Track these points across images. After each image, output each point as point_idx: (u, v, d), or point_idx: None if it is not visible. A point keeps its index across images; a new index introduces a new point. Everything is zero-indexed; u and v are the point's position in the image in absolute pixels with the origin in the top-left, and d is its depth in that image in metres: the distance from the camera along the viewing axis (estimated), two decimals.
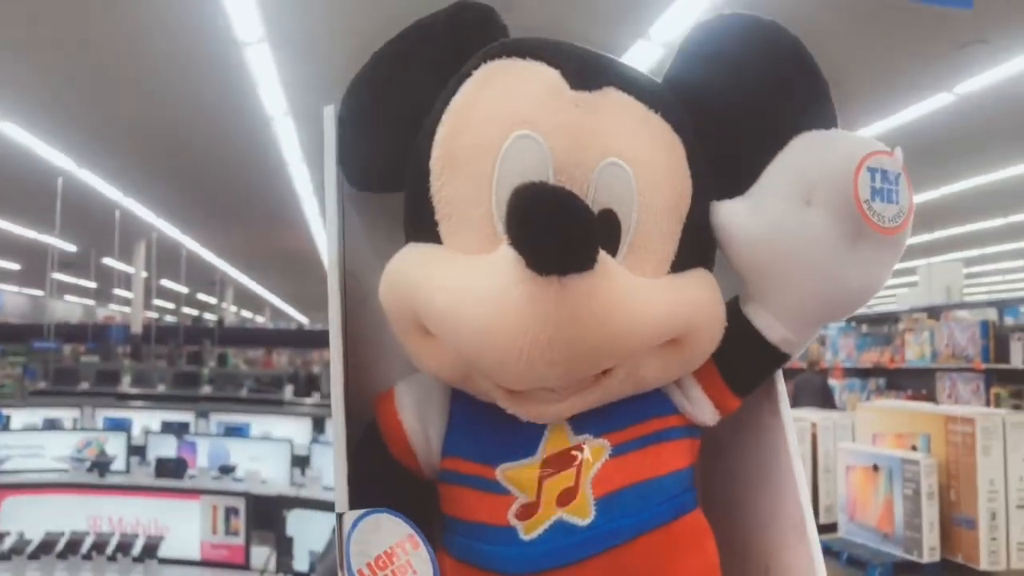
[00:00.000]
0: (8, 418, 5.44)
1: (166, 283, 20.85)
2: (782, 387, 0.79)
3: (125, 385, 10.31)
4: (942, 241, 13.92)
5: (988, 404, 6.06)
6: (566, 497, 0.69)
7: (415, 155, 0.74)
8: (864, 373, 8.50)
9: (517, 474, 0.70)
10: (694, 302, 0.70)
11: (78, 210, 11.45)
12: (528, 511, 0.69)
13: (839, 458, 2.18)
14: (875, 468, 1.97)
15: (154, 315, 21.14)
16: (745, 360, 0.75)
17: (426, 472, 0.78)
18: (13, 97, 7.68)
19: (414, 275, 0.68)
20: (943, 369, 6.96)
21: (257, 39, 6.06)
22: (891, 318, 8.73)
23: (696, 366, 0.73)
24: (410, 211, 0.75)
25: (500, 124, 0.68)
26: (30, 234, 14.14)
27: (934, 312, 8.07)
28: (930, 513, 1.84)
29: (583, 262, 0.56)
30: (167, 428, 5.28)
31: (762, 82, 0.76)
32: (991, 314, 7.34)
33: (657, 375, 0.72)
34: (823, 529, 4.58)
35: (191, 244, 16.17)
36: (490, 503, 0.70)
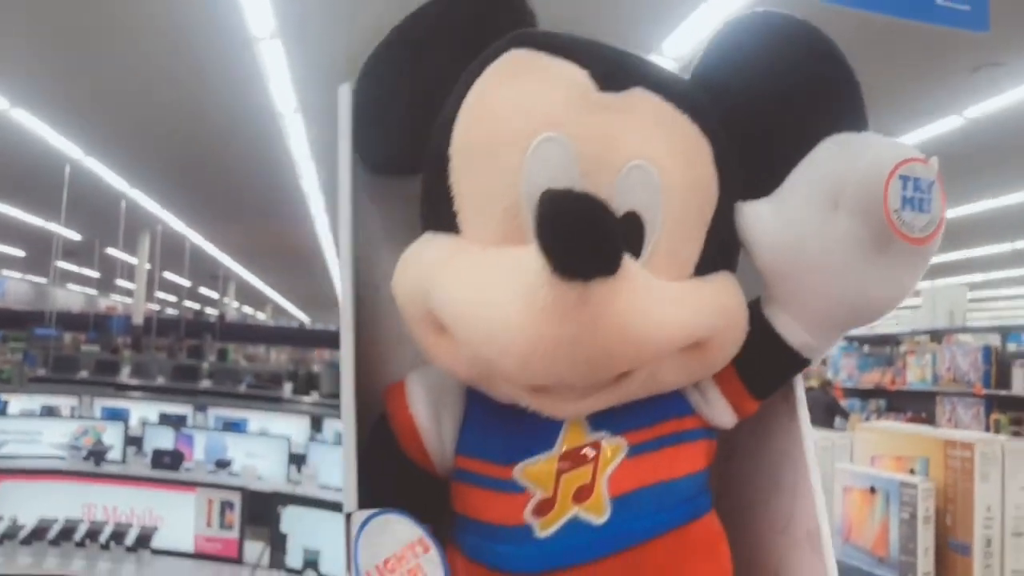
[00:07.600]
0: (6, 403, 5.41)
1: (169, 276, 20.87)
2: (801, 392, 0.78)
3: (124, 375, 10.31)
4: (947, 264, 13.88)
5: (988, 430, 6.04)
6: (582, 494, 0.68)
7: (434, 140, 0.72)
8: (865, 394, 8.46)
9: (536, 469, 0.69)
10: (717, 307, 0.69)
11: (84, 199, 11.46)
12: (544, 507, 0.68)
13: (836, 479, 2.17)
14: (872, 490, 1.95)
15: (156, 307, 21.13)
16: (764, 363, 0.74)
17: (437, 467, 0.75)
18: (23, 83, 7.69)
19: (431, 269, 0.66)
20: (944, 393, 6.93)
21: (269, 35, 6.07)
22: (893, 340, 8.71)
23: (717, 369, 0.72)
24: (427, 198, 0.73)
25: (527, 122, 0.67)
26: (35, 221, 14.15)
27: (936, 335, 8.04)
28: (925, 538, 1.83)
29: (607, 267, 0.56)
30: (165, 420, 5.26)
31: (795, 80, 0.74)
32: (994, 340, 7.31)
33: (677, 378, 0.71)
34: None
35: (195, 238, 16.16)
36: (505, 503, 0.69)
